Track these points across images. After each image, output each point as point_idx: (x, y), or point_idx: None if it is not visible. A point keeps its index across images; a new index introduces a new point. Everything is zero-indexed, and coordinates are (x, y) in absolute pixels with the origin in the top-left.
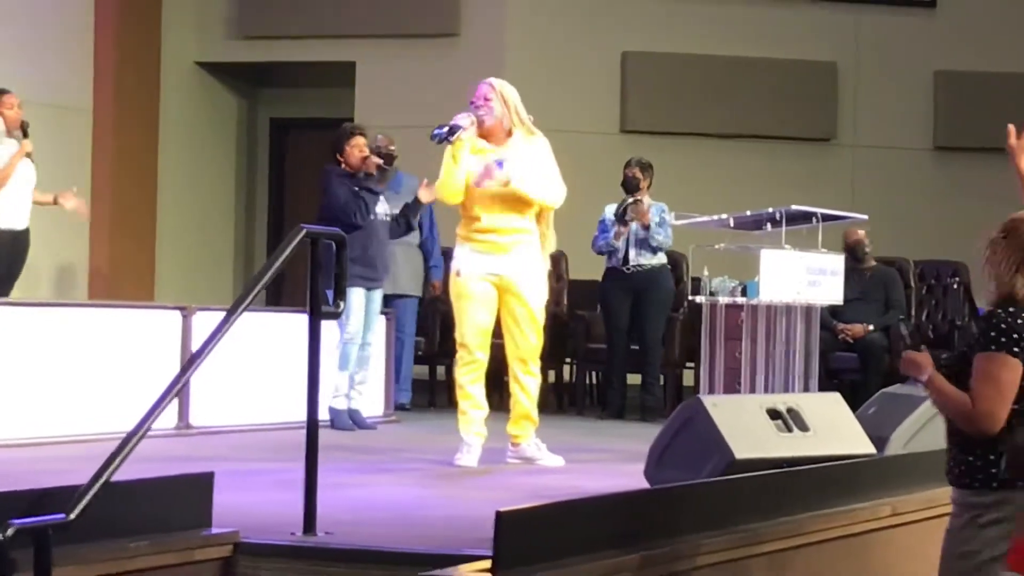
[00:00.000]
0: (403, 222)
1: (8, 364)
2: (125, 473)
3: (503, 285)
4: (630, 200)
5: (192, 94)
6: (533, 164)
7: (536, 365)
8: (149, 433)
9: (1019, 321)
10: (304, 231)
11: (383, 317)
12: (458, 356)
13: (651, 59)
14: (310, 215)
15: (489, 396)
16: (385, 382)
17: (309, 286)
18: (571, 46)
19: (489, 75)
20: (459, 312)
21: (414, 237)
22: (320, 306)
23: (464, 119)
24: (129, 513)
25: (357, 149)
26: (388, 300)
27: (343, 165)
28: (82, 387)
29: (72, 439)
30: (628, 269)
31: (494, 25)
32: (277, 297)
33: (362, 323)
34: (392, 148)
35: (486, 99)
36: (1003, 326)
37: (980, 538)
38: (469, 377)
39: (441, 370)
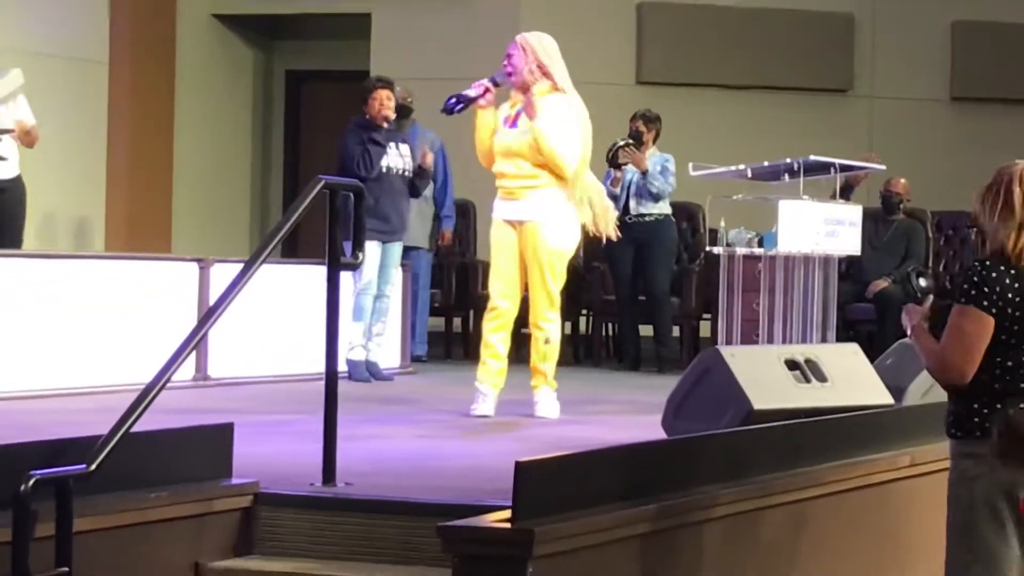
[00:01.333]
0: (411, 187)
1: (27, 316)
2: (145, 424)
3: (519, 231)
4: (620, 143)
5: (208, 46)
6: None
7: (544, 320)
8: (168, 384)
9: (993, 275)
10: (322, 182)
11: (400, 270)
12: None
13: (667, 10)
14: (326, 167)
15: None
16: (402, 334)
17: (327, 237)
18: None
19: (504, 27)
20: (491, 260)
21: (427, 188)
22: (338, 257)
23: (473, 90)
24: (149, 464)
25: (377, 102)
26: (403, 253)
27: (368, 117)
28: (100, 339)
29: (91, 391)
30: (629, 219)
31: None
32: (293, 249)
33: (375, 274)
34: (408, 100)
35: (508, 57)
36: (975, 279)
37: (970, 494)
38: (490, 325)
39: (457, 322)
